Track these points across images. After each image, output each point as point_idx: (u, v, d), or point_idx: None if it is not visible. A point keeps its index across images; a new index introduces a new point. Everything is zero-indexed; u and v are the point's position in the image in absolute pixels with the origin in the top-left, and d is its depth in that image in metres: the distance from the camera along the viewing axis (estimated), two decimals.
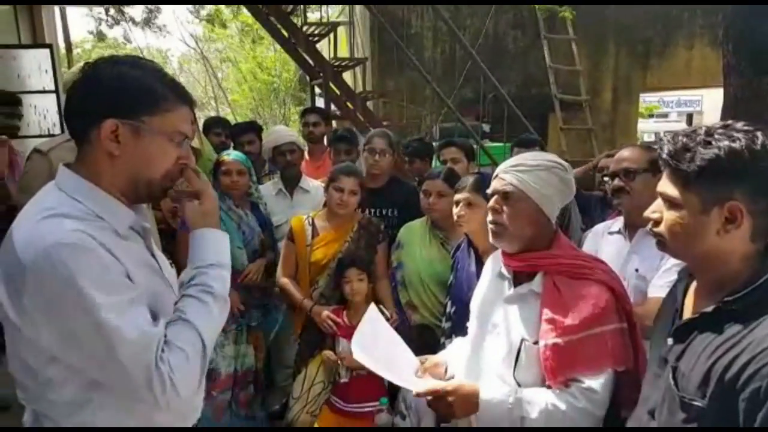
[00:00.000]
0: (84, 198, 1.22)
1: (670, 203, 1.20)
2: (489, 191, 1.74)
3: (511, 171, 1.67)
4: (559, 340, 1.52)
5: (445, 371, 1.94)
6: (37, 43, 7.17)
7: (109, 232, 1.21)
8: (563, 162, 1.71)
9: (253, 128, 4.18)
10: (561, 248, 1.67)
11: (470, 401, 1.57)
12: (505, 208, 1.66)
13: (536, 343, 1.58)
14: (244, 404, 3.15)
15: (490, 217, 1.70)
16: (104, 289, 1.11)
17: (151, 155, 1.26)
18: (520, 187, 1.63)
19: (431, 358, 1.97)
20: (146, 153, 1.25)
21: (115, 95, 1.21)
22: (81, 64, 1.86)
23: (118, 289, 1.14)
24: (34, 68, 6.25)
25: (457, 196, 2.41)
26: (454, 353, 1.96)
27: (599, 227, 2.44)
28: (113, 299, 1.12)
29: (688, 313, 1.27)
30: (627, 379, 1.60)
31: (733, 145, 1.11)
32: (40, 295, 1.10)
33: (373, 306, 2.24)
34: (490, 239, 1.73)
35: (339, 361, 2.73)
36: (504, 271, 1.75)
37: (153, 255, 1.37)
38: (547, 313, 1.57)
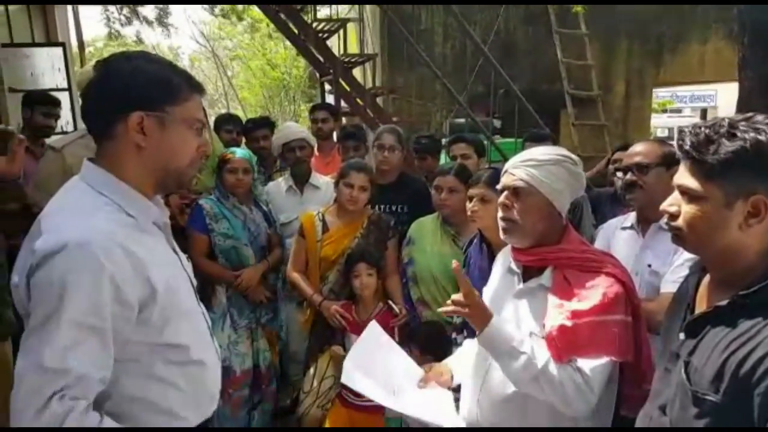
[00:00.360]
0: (110, 192, 1.24)
1: (690, 196, 1.17)
2: (499, 187, 1.74)
3: (521, 166, 1.66)
4: (567, 322, 1.52)
5: (452, 378, 1.93)
6: (51, 42, 7.26)
7: (131, 227, 1.24)
8: (573, 156, 1.70)
9: (266, 124, 4.18)
10: (570, 243, 1.67)
11: (486, 316, 1.56)
12: (515, 203, 1.65)
13: (544, 336, 1.57)
14: (271, 399, 3.18)
15: (500, 213, 1.69)
16: (83, 304, 1.12)
17: (176, 144, 1.30)
18: (531, 182, 1.62)
19: (435, 367, 1.95)
20: (171, 142, 1.29)
21: (138, 88, 1.24)
22: (93, 62, 1.88)
23: (96, 311, 1.13)
24: (47, 66, 6.31)
25: (471, 191, 2.39)
26: (461, 359, 1.95)
27: (611, 223, 2.42)
28: (81, 318, 1.12)
29: (700, 308, 1.25)
30: (629, 375, 1.60)
31: (760, 137, 1.09)
32: (39, 282, 1.12)
33: (373, 324, 2.24)
34: (501, 235, 1.72)
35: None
36: (513, 266, 1.75)
37: (174, 250, 1.40)
38: (555, 300, 1.57)
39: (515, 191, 1.65)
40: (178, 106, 1.28)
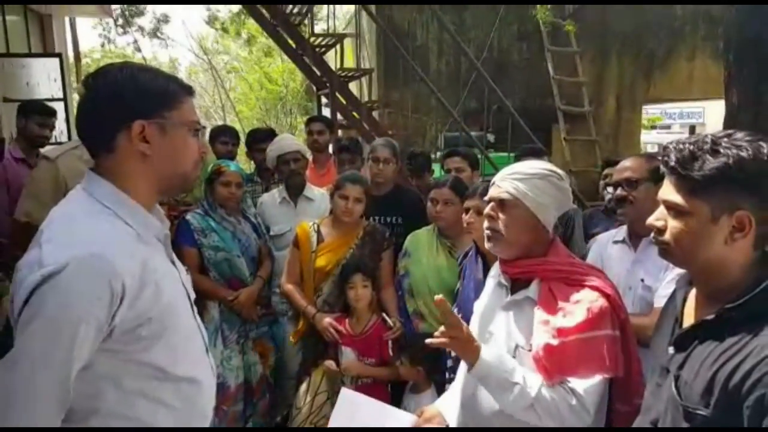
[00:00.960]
0: (113, 204, 1.23)
1: (676, 211, 1.19)
2: (486, 198, 1.77)
3: (508, 179, 1.69)
4: (553, 341, 1.53)
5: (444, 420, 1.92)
6: (47, 52, 7.27)
7: (134, 238, 1.23)
8: (559, 170, 1.73)
9: (270, 136, 4.13)
10: (557, 255, 1.69)
11: (473, 348, 1.57)
12: (500, 215, 1.68)
13: (530, 350, 1.59)
14: (263, 414, 3.15)
15: (485, 224, 1.72)
16: (79, 325, 1.09)
17: (179, 148, 1.30)
18: (516, 194, 1.65)
19: (426, 412, 1.95)
20: (174, 147, 1.29)
21: (135, 97, 1.23)
22: None
23: (80, 345, 1.10)
24: (44, 77, 6.31)
25: (467, 203, 2.43)
26: (450, 401, 1.94)
27: (603, 236, 2.44)
28: (72, 337, 1.09)
29: (688, 322, 1.27)
30: (619, 390, 1.60)
31: (742, 153, 1.11)
32: (35, 308, 1.09)
33: (343, 391, 2.18)
34: (486, 244, 1.75)
35: (341, 371, 2.73)
36: (502, 279, 1.77)
37: (173, 262, 1.39)
38: (541, 316, 1.58)
39: (501, 203, 1.68)
40: (176, 110, 1.28)
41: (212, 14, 14.50)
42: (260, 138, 4.13)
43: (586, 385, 1.51)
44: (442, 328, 1.58)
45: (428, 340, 1.64)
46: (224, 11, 15.20)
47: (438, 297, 1.57)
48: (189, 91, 1.34)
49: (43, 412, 1.09)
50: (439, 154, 4.44)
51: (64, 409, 1.12)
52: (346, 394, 2.08)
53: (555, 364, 1.52)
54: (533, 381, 1.53)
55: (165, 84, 1.28)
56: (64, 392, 1.10)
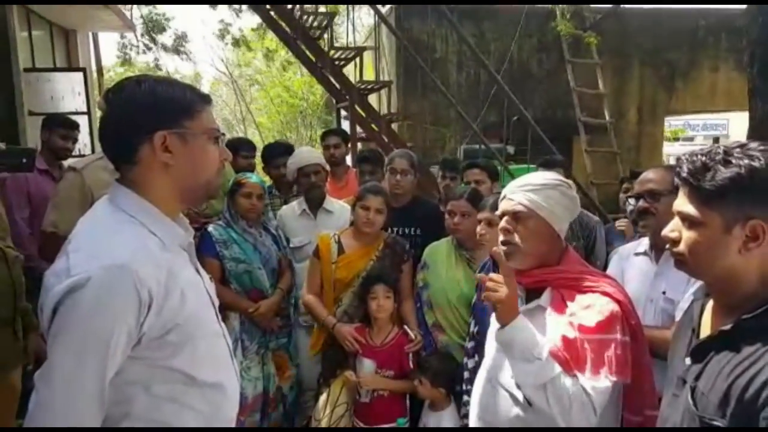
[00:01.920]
0: (139, 214, 1.26)
1: (691, 222, 1.20)
2: (498, 213, 1.78)
3: (519, 191, 1.71)
4: (569, 332, 1.54)
5: None
6: (72, 67, 7.42)
7: (160, 248, 1.25)
8: (567, 180, 1.76)
9: (288, 151, 4.10)
10: (569, 263, 1.71)
11: (513, 308, 1.57)
12: (517, 227, 1.69)
13: (550, 351, 1.59)
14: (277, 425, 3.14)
15: (501, 238, 1.73)
16: (102, 336, 1.12)
17: (201, 156, 1.32)
18: (530, 206, 1.67)
19: None
20: (197, 155, 1.31)
21: (156, 109, 1.26)
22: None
23: (112, 353, 1.13)
24: (68, 90, 6.45)
25: (479, 216, 2.46)
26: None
27: (625, 248, 2.43)
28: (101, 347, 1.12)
29: (705, 333, 1.27)
30: (629, 399, 1.61)
31: (754, 164, 1.12)
32: (64, 316, 1.11)
33: None
34: (503, 259, 1.75)
35: (359, 383, 2.72)
36: (518, 289, 1.77)
37: (197, 270, 1.41)
38: (554, 316, 1.60)
39: (515, 216, 1.70)
40: (195, 120, 1.30)
41: (224, 29, 14.65)
42: (277, 153, 4.10)
43: (596, 385, 1.51)
44: (494, 276, 1.59)
45: (478, 276, 1.71)
46: (237, 25, 15.36)
47: (495, 249, 1.60)
48: (207, 99, 1.37)
49: (81, 422, 1.12)
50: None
51: (101, 417, 1.15)
52: None
53: (570, 356, 1.53)
54: (556, 365, 1.53)
55: (183, 94, 1.30)
56: (100, 401, 1.13)
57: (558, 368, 1.53)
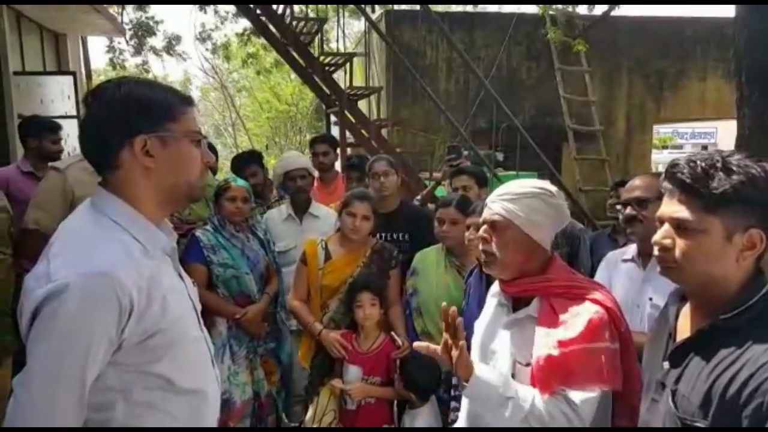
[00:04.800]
0: (121, 219, 1.24)
1: (688, 229, 1.18)
2: (480, 220, 1.77)
3: (498, 200, 1.69)
4: (553, 352, 1.52)
5: None
6: (62, 71, 7.39)
7: (142, 253, 1.23)
8: (551, 188, 1.72)
9: (254, 159, 4.07)
10: (556, 272, 1.68)
11: (467, 364, 1.55)
12: (493, 237, 1.68)
13: (528, 365, 1.58)
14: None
15: (480, 247, 1.72)
16: (86, 342, 1.11)
17: (182, 159, 1.30)
18: (506, 215, 1.65)
19: None
20: (177, 159, 1.29)
21: (135, 112, 1.24)
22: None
23: (90, 361, 1.12)
24: (58, 94, 6.42)
25: (468, 221, 2.46)
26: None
27: (612, 255, 2.43)
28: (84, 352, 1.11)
29: (682, 337, 1.26)
30: (620, 405, 1.60)
31: (752, 171, 1.13)
32: (43, 323, 1.11)
33: None
34: (483, 268, 1.75)
35: (347, 391, 2.70)
36: (502, 298, 1.77)
37: (180, 276, 1.39)
38: (541, 330, 1.58)
39: (492, 225, 1.68)
40: (176, 122, 1.28)
41: (206, 33, 14.59)
42: (245, 162, 4.01)
43: (583, 396, 1.50)
44: (445, 338, 1.58)
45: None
46: (221, 31, 15.26)
47: (451, 309, 1.57)
48: (188, 101, 1.35)
49: (60, 426, 1.11)
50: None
51: (80, 423, 1.14)
52: None
53: (555, 374, 1.52)
54: (526, 393, 1.53)
55: (164, 96, 1.29)
56: (79, 407, 1.13)
57: (530, 393, 1.52)
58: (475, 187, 3.42)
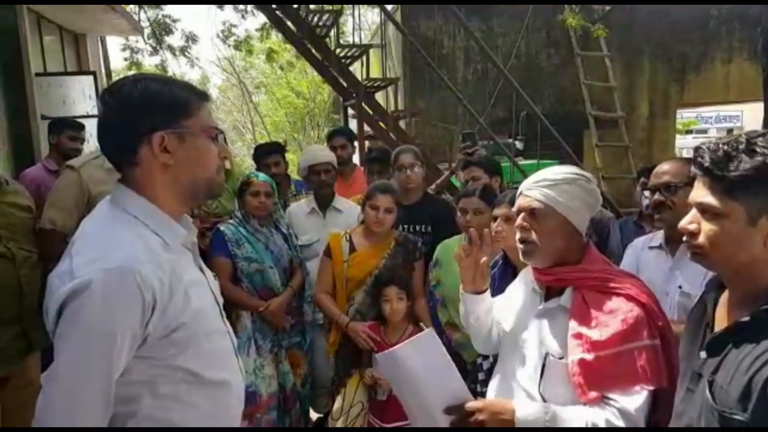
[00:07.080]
0: (142, 214, 1.26)
1: (712, 214, 1.16)
2: (514, 209, 1.73)
3: (535, 187, 1.66)
4: (587, 356, 1.49)
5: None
6: (82, 71, 7.47)
7: (163, 248, 1.25)
8: (586, 173, 1.70)
9: (277, 150, 4.05)
10: (591, 262, 1.65)
11: (504, 419, 1.54)
12: (533, 225, 1.64)
13: (561, 358, 1.56)
14: (296, 423, 3.15)
15: (518, 236, 1.68)
16: (109, 334, 1.12)
17: (200, 155, 1.31)
18: (547, 202, 1.62)
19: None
20: (195, 154, 1.30)
21: (153, 109, 1.25)
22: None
23: (115, 357, 1.14)
24: (79, 94, 6.49)
25: (496, 212, 2.40)
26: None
27: (639, 241, 2.39)
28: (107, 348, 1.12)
29: (720, 326, 1.23)
30: (662, 399, 1.54)
31: None
32: (68, 319, 1.12)
33: (429, 334, 1.84)
34: (521, 257, 1.71)
35: (378, 381, 2.71)
36: (536, 286, 1.74)
37: (201, 269, 1.41)
38: (574, 328, 1.55)
39: (532, 212, 1.65)
40: (193, 118, 1.29)
41: (227, 30, 14.62)
42: (265, 153, 3.95)
43: (630, 405, 1.47)
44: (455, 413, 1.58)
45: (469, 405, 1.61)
46: (242, 26, 15.27)
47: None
48: (204, 96, 1.36)
49: (87, 423, 1.13)
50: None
51: (108, 418, 1.16)
52: (425, 340, 1.78)
53: (591, 380, 1.49)
54: (576, 418, 1.49)
55: (179, 93, 1.29)
56: (106, 403, 1.14)
57: (575, 413, 1.50)
58: (485, 177, 3.38)
